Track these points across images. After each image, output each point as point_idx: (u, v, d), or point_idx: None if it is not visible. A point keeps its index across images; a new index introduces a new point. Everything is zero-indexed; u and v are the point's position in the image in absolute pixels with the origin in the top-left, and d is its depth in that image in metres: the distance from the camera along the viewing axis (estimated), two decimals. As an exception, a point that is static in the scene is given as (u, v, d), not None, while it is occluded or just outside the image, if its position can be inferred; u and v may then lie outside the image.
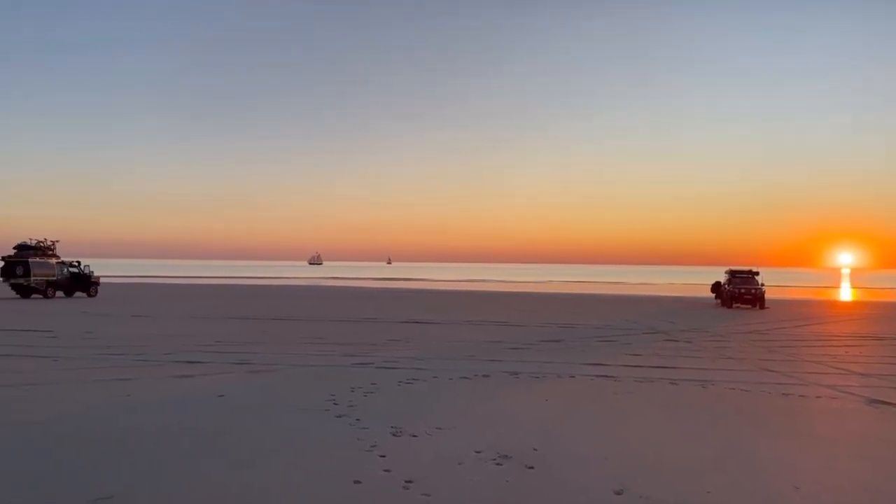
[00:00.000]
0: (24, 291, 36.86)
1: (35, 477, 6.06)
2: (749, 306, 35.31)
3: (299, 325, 22.34)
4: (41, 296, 36.96)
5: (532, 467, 6.55)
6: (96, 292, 39.65)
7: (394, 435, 7.67)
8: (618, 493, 5.81)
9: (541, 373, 12.56)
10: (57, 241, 39.38)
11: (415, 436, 7.66)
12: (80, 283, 39.17)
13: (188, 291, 49.43)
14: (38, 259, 37.34)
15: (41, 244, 38.44)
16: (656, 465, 6.74)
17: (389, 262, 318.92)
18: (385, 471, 6.31)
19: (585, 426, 8.45)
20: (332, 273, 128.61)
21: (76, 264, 39.46)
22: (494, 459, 6.77)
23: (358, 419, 8.47)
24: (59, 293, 38.18)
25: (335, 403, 9.44)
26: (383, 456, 6.80)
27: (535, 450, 7.16)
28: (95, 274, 40.34)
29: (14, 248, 37.68)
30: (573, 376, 12.24)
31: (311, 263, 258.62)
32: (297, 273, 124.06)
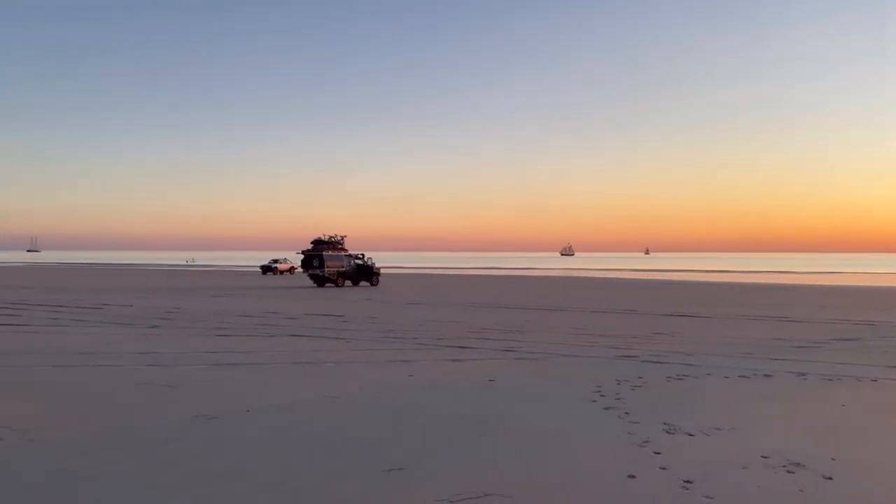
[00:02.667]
0: (320, 281, 42.17)
1: (336, 445, 6.87)
2: None
3: (559, 316, 22.53)
4: (333, 285, 41.94)
5: (830, 478, 5.84)
6: (378, 282, 43.96)
7: (667, 432, 7.36)
8: (947, 521, 4.94)
9: (834, 374, 11.17)
10: (345, 237, 44.46)
11: (691, 434, 7.27)
12: (365, 273, 43.72)
13: (454, 281, 52.60)
14: (330, 252, 42.50)
15: (333, 239, 43.68)
16: None
17: (647, 253, 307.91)
18: (661, 468, 6.07)
19: (895, 436, 7.34)
20: (586, 264, 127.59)
21: (361, 256, 44.14)
22: (784, 466, 6.16)
23: (627, 413, 8.28)
24: (348, 282, 42.99)
25: (602, 395, 9.34)
26: (658, 453, 6.56)
27: (832, 459, 6.38)
28: (377, 265, 44.76)
29: (311, 242, 43.39)
30: (875, 380, 10.70)
31: (562, 254, 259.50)
32: (550, 264, 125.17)
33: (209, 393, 9.41)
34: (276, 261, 67.20)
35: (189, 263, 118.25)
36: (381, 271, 46.36)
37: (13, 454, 6.43)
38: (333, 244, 43.43)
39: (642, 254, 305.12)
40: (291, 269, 64.70)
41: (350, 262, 43.31)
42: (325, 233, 43.72)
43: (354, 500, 5.28)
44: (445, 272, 78.65)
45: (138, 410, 8.34)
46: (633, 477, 5.82)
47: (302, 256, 43.14)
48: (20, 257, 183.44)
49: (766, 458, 6.42)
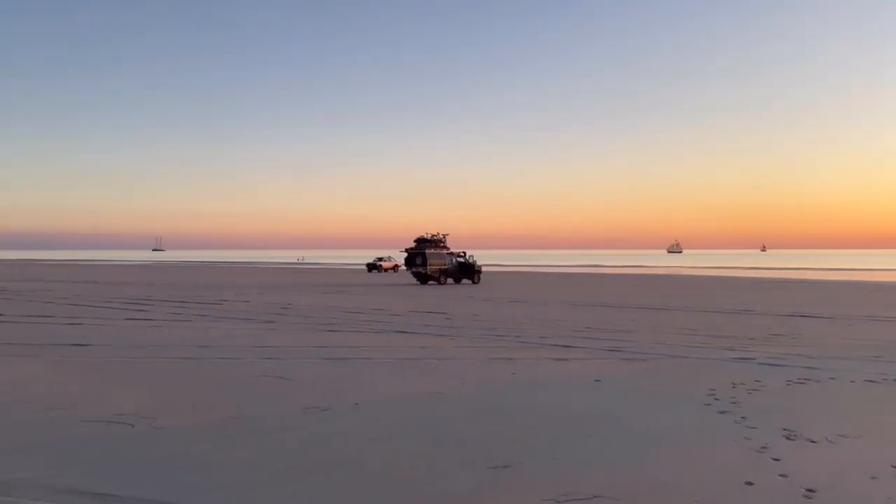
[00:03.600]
0: (422, 278, 42.89)
1: (442, 440, 6.95)
2: None
3: (667, 315, 21.79)
4: (435, 282, 42.52)
5: (973, 494, 5.35)
6: (479, 279, 44.18)
7: (787, 438, 6.97)
8: None
9: (978, 382, 10.21)
10: (447, 235, 44.98)
11: (813, 441, 6.85)
12: (467, 271, 44.08)
13: (556, 279, 52.02)
14: (433, 250, 43.18)
15: (435, 237, 44.31)
16: None
17: (764, 250, 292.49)
18: (780, 475, 5.76)
19: None
20: (695, 262, 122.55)
21: (462, 254, 44.52)
22: (920, 479, 5.70)
23: (743, 417, 7.90)
24: (450, 280, 43.46)
25: (716, 398, 8.95)
26: (777, 459, 6.22)
27: (976, 474, 5.84)
28: (479, 263, 44.99)
29: (414, 240, 44.22)
30: None
31: (669, 252, 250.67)
32: (657, 262, 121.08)
33: (320, 386, 9.75)
34: (380, 259, 68.92)
35: (299, 261, 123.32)
36: (483, 269, 46.51)
37: (142, 439, 6.93)
38: (436, 242, 44.08)
39: (758, 251, 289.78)
40: (395, 267, 66.13)
41: (452, 260, 43.82)
42: (427, 231, 44.49)
43: (462, 495, 5.33)
44: (547, 270, 77.91)
45: (254, 401, 8.77)
46: (750, 484, 5.56)
47: (406, 255, 44.04)
48: (146, 256, 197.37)
49: (898, 468, 5.96)
